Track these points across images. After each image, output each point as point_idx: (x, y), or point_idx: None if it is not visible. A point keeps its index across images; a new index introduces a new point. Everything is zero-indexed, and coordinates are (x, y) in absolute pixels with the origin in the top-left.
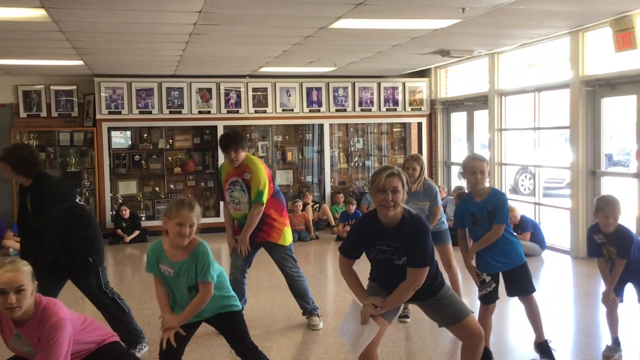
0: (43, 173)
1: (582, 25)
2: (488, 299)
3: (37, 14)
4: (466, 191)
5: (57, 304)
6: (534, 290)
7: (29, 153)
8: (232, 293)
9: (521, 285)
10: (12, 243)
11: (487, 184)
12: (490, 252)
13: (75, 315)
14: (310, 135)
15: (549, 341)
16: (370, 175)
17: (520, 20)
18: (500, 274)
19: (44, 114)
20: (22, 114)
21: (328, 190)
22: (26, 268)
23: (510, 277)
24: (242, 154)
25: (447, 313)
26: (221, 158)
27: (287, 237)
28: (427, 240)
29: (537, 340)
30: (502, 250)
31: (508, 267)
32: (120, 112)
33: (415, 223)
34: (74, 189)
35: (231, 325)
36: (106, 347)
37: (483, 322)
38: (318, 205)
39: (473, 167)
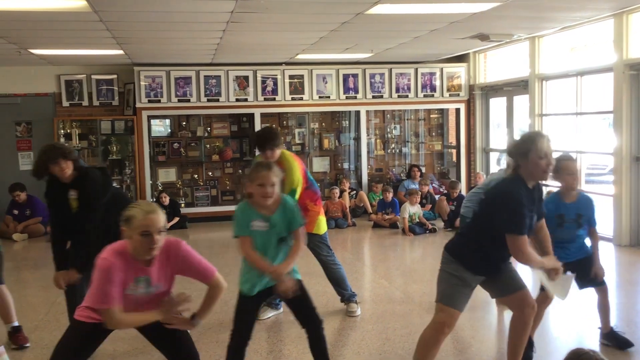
0: (83, 167)
1: (626, 7)
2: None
3: (78, 4)
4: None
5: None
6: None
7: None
8: None
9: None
10: None
11: None
12: (571, 248)
13: None
14: (347, 122)
15: (615, 327)
16: (406, 163)
17: (562, 2)
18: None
19: (85, 103)
20: (65, 103)
21: (365, 178)
22: (161, 210)
23: (583, 268)
24: (278, 152)
25: (506, 283)
26: None
27: (322, 226)
28: None
29: (603, 330)
30: (578, 247)
31: (580, 256)
32: (159, 101)
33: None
34: (109, 177)
35: (302, 290)
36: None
37: (537, 310)
38: (355, 192)
39: (571, 169)
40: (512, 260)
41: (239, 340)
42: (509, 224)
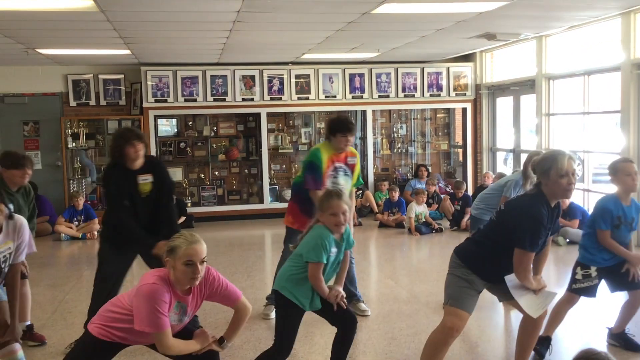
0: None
1: (634, 6)
2: (585, 292)
3: (85, 4)
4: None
5: None
6: None
7: None
8: None
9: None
10: (64, 228)
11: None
12: (603, 249)
13: None
14: (353, 121)
15: (627, 330)
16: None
17: (569, 1)
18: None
19: (92, 102)
20: (72, 103)
21: (371, 177)
22: (203, 241)
23: (618, 272)
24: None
25: None
26: (265, 145)
27: None
28: None
29: (614, 331)
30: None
31: (614, 261)
32: (166, 100)
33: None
34: None
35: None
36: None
37: (561, 310)
38: (361, 191)
39: (629, 169)
40: None
41: (285, 353)
42: (524, 240)
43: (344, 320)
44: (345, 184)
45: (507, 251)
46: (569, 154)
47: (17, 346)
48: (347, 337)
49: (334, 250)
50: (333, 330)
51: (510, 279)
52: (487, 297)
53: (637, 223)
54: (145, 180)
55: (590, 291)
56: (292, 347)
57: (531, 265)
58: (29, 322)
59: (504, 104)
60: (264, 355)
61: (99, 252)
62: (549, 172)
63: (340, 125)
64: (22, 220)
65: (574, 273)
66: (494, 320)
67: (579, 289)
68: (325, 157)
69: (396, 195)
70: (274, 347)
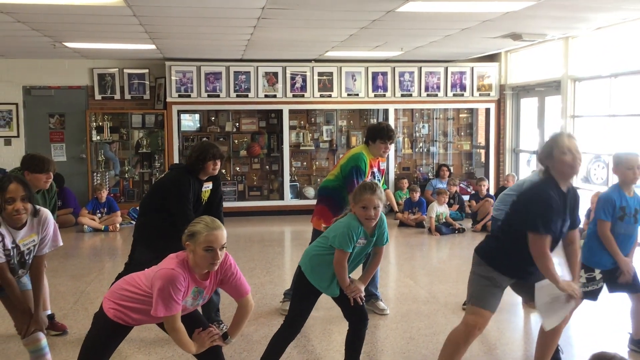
0: None
1: None
2: (589, 296)
3: None
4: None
5: None
6: None
7: None
8: None
9: (635, 280)
10: (87, 220)
11: None
12: (619, 243)
13: None
14: (375, 120)
15: None
16: (435, 162)
17: (596, 2)
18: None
19: (117, 96)
20: (97, 96)
21: (392, 176)
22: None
23: (617, 272)
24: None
25: None
26: (286, 142)
27: None
28: None
29: (635, 337)
30: (630, 241)
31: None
32: (189, 96)
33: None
34: None
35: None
36: None
37: None
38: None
39: (631, 162)
40: None
41: (295, 329)
42: (533, 222)
43: (355, 315)
44: None
45: (524, 239)
46: (567, 133)
47: (41, 335)
48: (357, 334)
49: (361, 241)
50: None
51: (541, 285)
52: (507, 299)
53: None
54: (207, 188)
55: (593, 295)
56: (303, 326)
57: (551, 255)
58: (49, 312)
59: (529, 105)
60: (276, 334)
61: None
62: (551, 153)
63: (382, 133)
64: (47, 213)
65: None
66: (513, 323)
67: (583, 293)
68: (367, 164)
69: (417, 195)
70: (285, 322)
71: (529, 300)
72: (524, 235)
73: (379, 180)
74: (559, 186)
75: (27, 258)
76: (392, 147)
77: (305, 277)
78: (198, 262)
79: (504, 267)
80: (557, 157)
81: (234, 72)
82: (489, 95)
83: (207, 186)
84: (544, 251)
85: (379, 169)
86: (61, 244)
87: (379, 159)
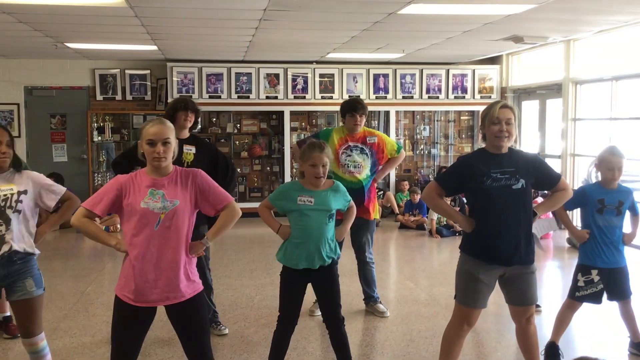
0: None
1: None
2: (590, 299)
3: (114, 0)
4: None
5: None
6: (631, 293)
7: None
8: None
9: (624, 287)
10: None
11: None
12: (611, 246)
13: None
14: (376, 122)
15: None
16: (433, 162)
17: (599, 5)
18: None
19: (119, 97)
20: (99, 97)
21: (393, 178)
22: (170, 125)
23: (614, 278)
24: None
25: (525, 291)
26: (287, 143)
27: (377, 209)
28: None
29: (634, 340)
30: (617, 248)
31: (616, 265)
32: (190, 96)
33: (525, 152)
34: None
35: (334, 284)
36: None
37: (564, 316)
38: (382, 192)
39: (612, 164)
40: (535, 270)
41: (287, 320)
42: (440, 175)
43: (329, 318)
44: (364, 161)
45: (477, 213)
46: (504, 102)
47: (41, 337)
48: (336, 333)
49: (306, 199)
50: (351, 329)
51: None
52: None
53: (627, 207)
54: (189, 151)
55: (595, 297)
56: (297, 316)
57: (437, 195)
58: (8, 314)
59: (530, 107)
60: (274, 332)
61: None
62: (484, 120)
63: (348, 106)
64: (31, 173)
65: (576, 280)
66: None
67: (583, 296)
68: (335, 137)
69: (417, 196)
70: (280, 316)
71: (506, 301)
72: (474, 208)
73: (366, 154)
74: (487, 151)
75: (1, 206)
76: (363, 120)
77: (283, 266)
78: (147, 160)
79: (468, 247)
80: (487, 125)
81: (236, 73)
82: (490, 97)
83: (189, 149)
84: (431, 194)
85: (367, 144)
86: (63, 189)
87: (364, 133)
